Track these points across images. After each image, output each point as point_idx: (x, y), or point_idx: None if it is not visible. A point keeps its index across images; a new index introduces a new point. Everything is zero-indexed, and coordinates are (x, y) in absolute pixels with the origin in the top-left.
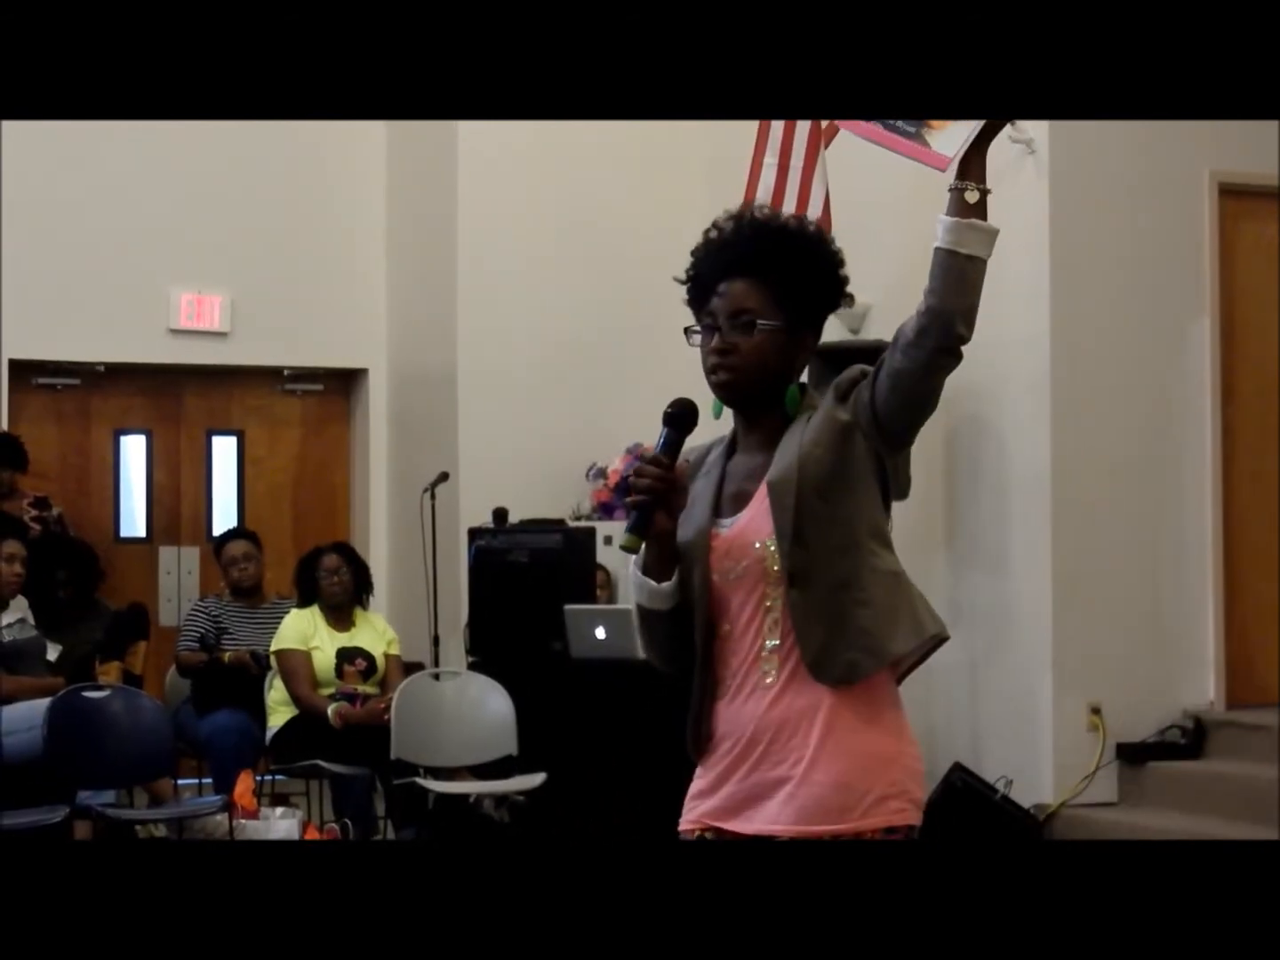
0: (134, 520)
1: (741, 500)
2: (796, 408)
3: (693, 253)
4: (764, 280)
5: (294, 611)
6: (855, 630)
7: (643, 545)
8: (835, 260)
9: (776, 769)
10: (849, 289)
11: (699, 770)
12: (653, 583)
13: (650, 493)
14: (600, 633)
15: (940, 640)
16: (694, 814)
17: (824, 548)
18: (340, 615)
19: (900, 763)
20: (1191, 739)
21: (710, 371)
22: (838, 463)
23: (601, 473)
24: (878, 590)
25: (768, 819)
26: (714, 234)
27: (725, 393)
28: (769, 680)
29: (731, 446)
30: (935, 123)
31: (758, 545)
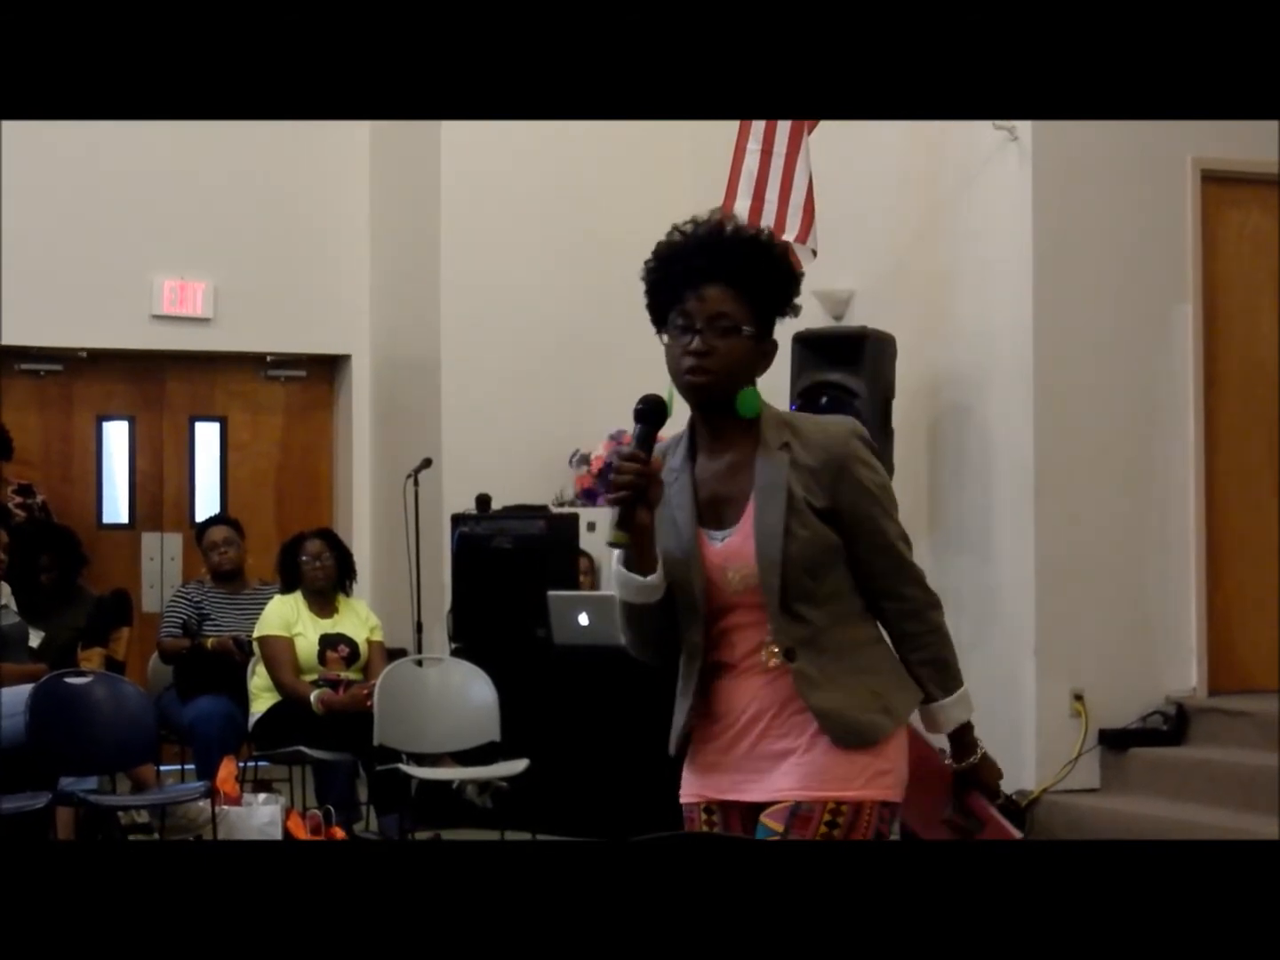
0: (117, 506)
1: (720, 508)
2: (751, 411)
3: (658, 252)
4: (738, 288)
5: (277, 598)
6: (868, 694)
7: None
8: (795, 275)
9: (780, 741)
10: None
11: (694, 746)
12: (639, 577)
13: (632, 488)
14: (583, 619)
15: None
16: (693, 787)
17: (821, 619)
18: (323, 601)
19: (896, 739)
20: (1174, 725)
21: (687, 371)
22: (822, 545)
23: (585, 459)
24: (876, 657)
25: (772, 787)
26: (683, 236)
27: (699, 394)
28: (771, 664)
29: (691, 449)
30: None
31: (749, 575)
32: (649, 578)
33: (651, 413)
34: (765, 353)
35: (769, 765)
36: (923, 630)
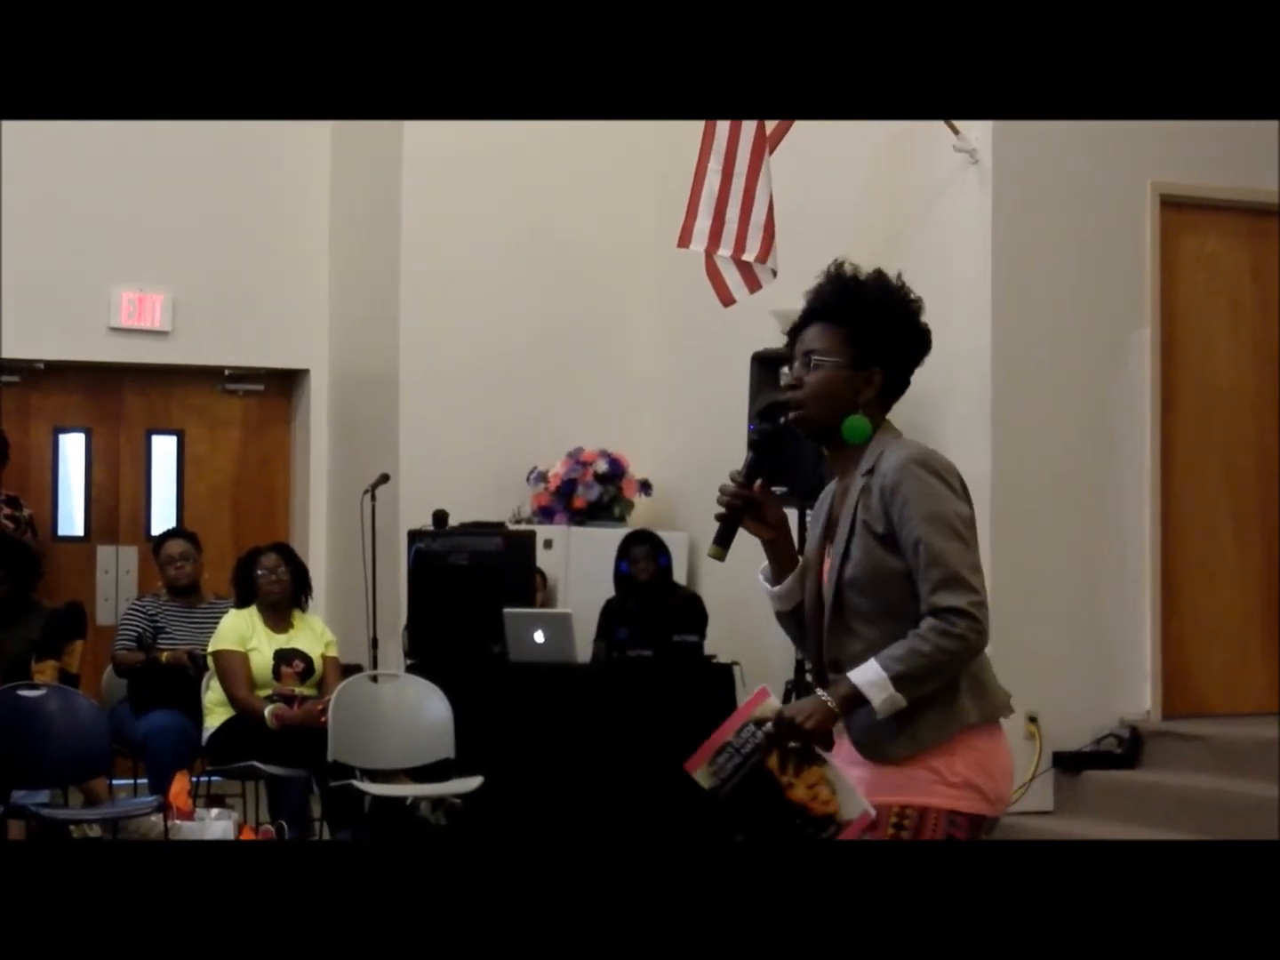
0: (72, 519)
1: (834, 528)
2: (856, 437)
3: None
4: (833, 322)
5: (232, 612)
6: (898, 716)
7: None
8: (903, 304)
9: (850, 751)
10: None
11: None
12: (768, 586)
13: (728, 509)
14: (539, 636)
15: (992, 716)
16: None
17: (873, 636)
18: (278, 616)
19: (966, 755)
20: (1128, 748)
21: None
22: (873, 567)
23: (542, 476)
24: None
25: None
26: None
27: (797, 425)
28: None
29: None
30: None
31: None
32: (775, 588)
33: (760, 443)
34: (869, 380)
35: (849, 771)
36: (912, 638)
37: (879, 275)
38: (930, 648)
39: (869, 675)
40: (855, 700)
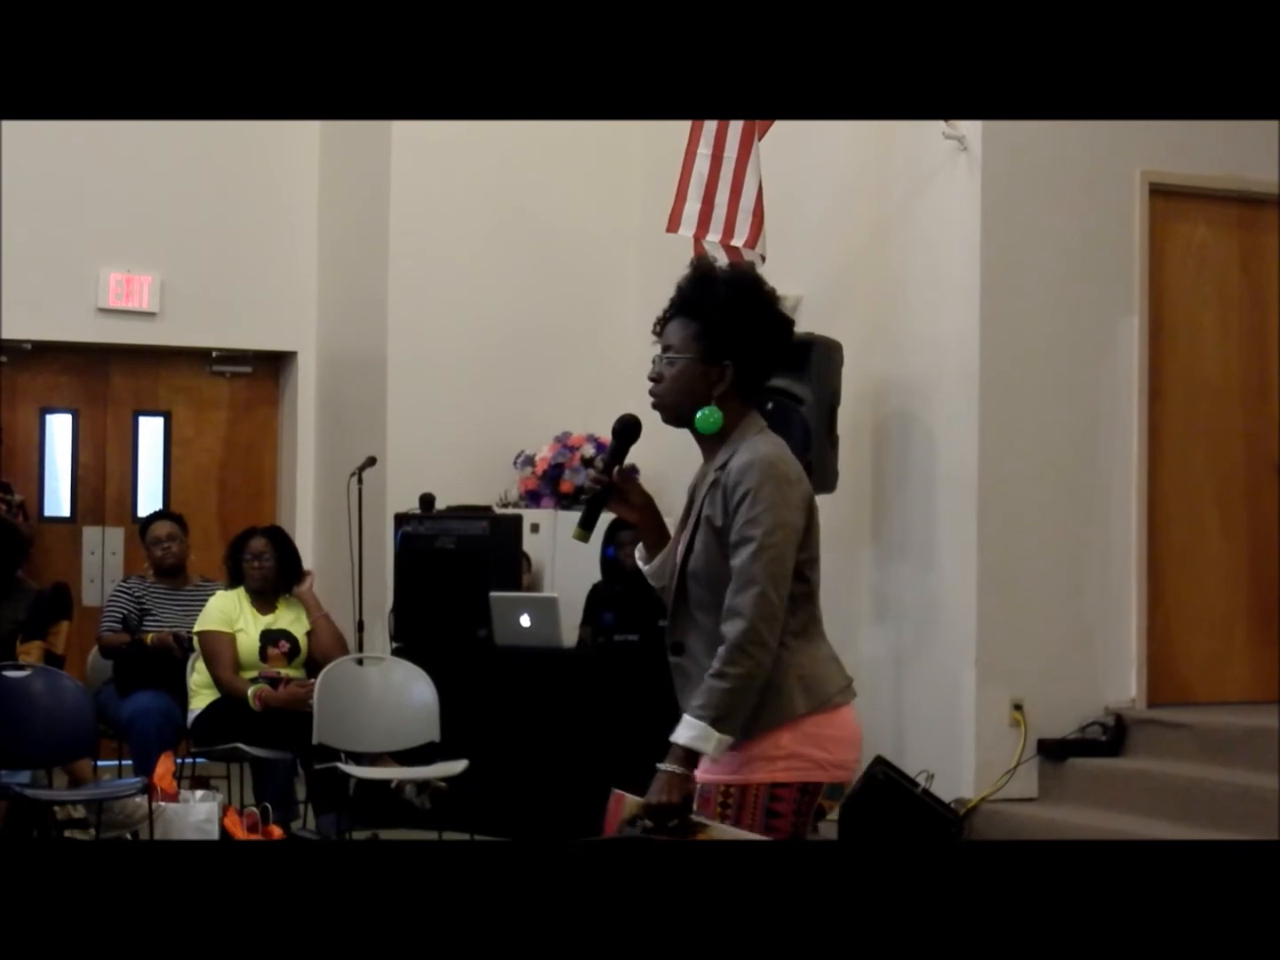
0: (58, 499)
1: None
2: (707, 428)
3: None
4: (688, 317)
5: (220, 593)
6: None
7: (588, 536)
8: (753, 299)
9: None
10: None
11: None
12: (642, 564)
13: (591, 492)
14: (525, 620)
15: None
16: None
17: (712, 625)
18: (265, 598)
19: (784, 731)
20: (1112, 736)
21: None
22: (711, 560)
23: (529, 460)
24: None
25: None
26: None
27: (661, 416)
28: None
29: None
30: None
31: None
32: (647, 566)
33: (620, 431)
34: (721, 374)
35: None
36: (708, 678)
37: (733, 270)
38: (729, 684)
39: (692, 732)
40: (693, 756)
